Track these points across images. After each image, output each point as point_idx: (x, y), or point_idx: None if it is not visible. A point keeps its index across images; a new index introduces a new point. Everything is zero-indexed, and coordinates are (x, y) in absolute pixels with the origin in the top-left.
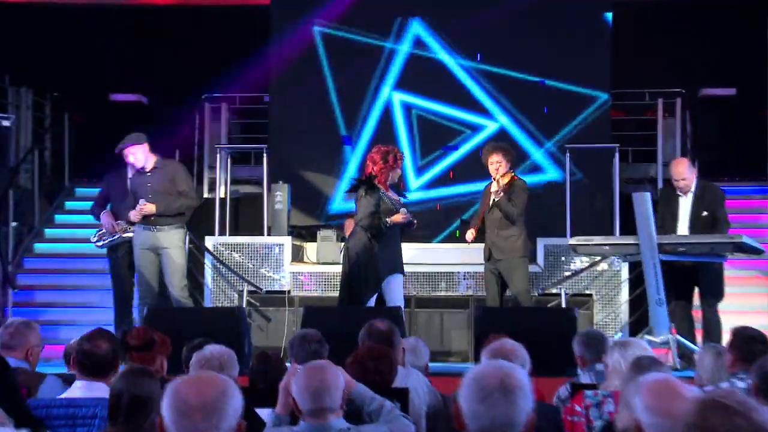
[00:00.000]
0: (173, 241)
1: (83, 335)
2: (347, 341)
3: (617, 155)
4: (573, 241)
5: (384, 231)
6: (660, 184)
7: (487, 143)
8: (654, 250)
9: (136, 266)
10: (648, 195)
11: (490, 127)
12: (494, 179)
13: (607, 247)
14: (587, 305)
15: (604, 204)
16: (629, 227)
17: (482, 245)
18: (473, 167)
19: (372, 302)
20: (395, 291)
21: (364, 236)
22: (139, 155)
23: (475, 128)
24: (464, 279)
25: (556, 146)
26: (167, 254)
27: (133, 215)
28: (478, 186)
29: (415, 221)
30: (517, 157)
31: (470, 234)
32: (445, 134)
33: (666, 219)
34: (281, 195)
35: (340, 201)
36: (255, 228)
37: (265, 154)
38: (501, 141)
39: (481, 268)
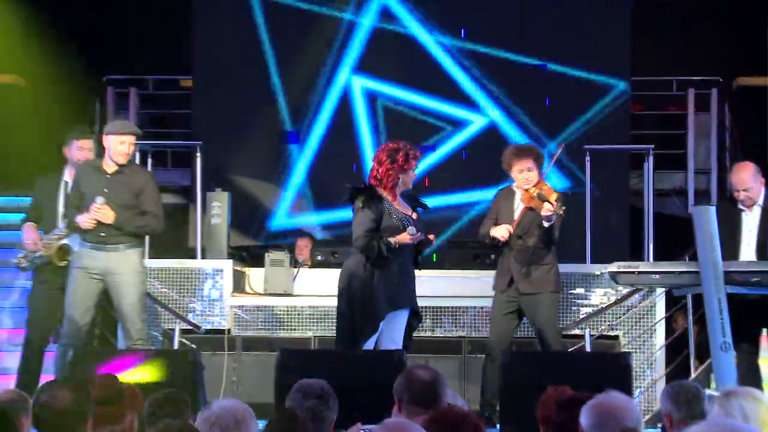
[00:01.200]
0: (132, 264)
1: (44, 383)
2: (338, 396)
3: (651, 160)
4: (613, 267)
5: (384, 255)
6: (691, 197)
7: (512, 145)
8: (720, 280)
9: (69, 296)
10: (713, 210)
11: (477, 123)
12: (527, 192)
13: (656, 276)
14: (612, 350)
15: (620, 221)
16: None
17: (469, 273)
18: (455, 173)
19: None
20: (394, 329)
21: (360, 261)
22: (131, 150)
23: (458, 124)
24: (449, 316)
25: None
26: (123, 282)
27: (84, 220)
28: (460, 197)
29: (432, 237)
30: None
31: (505, 230)
32: (419, 131)
33: (724, 241)
34: (219, 206)
35: (283, 215)
36: (175, 249)
37: (198, 154)
38: (490, 139)
39: (473, 303)
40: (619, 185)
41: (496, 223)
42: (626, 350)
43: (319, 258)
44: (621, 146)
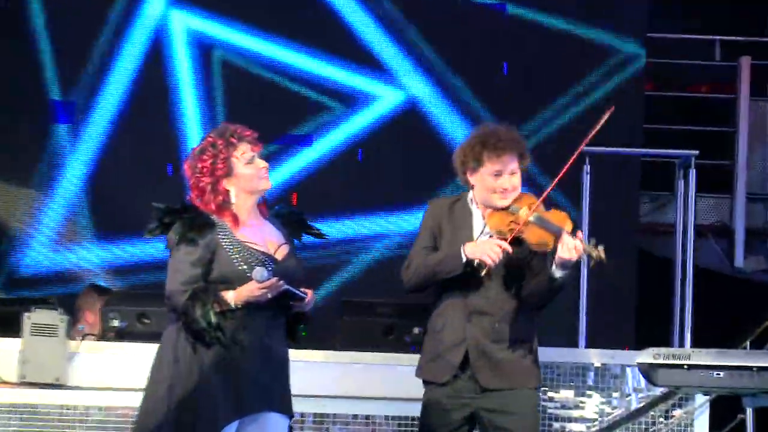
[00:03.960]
0: None
1: None
2: None
3: (693, 175)
4: (647, 357)
5: (212, 324)
6: (740, 240)
7: (484, 127)
8: None
9: None
10: None
11: (386, 100)
12: (506, 214)
13: (720, 375)
14: None
15: (626, 276)
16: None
17: (376, 359)
18: (345, 185)
19: None
20: None
21: (174, 334)
22: None
23: (353, 100)
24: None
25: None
26: None
27: None
28: (354, 227)
29: (309, 292)
30: None
31: (496, 249)
32: (285, 110)
33: None
34: None
35: (42, 248)
36: None
37: None
38: (406, 128)
39: (385, 409)
40: (625, 217)
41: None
42: None
43: (115, 324)
44: (644, 150)
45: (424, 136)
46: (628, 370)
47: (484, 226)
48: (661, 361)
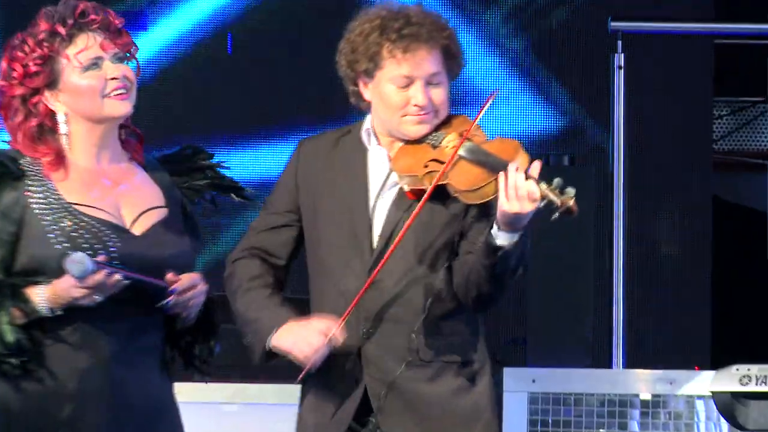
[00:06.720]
0: None
1: None
2: None
3: None
4: (727, 382)
5: (9, 344)
6: None
7: (386, 6)
8: None
9: None
10: None
11: None
12: (424, 148)
13: None
14: None
15: (693, 237)
16: None
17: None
18: (205, 92)
19: None
20: None
21: None
22: None
23: None
24: None
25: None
26: None
27: None
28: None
29: (182, 281)
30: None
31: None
32: None
33: None
34: None
35: None
36: None
37: None
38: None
39: None
40: (687, 140)
41: (300, 237)
42: None
43: None
44: (718, 26)
45: (335, 15)
46: (699, 404)
47: (389, 173)
48: (753, 387)
